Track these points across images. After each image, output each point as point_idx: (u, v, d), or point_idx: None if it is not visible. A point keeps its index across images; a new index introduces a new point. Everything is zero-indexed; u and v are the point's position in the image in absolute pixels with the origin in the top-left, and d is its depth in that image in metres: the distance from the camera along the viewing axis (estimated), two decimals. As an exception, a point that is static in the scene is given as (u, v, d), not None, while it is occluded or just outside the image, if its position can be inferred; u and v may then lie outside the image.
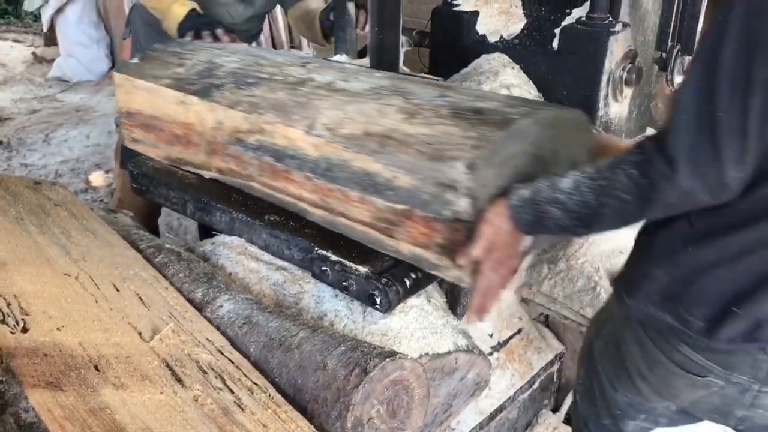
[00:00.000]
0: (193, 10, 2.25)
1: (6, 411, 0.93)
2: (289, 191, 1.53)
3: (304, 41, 7.66)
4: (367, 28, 2.36)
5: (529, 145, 1.29)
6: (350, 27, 2.56)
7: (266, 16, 2.78)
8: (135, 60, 1.93)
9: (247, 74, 1.70)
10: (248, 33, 2.56)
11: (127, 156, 2.50)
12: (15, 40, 7.71)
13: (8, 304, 1.15)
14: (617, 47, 2.11)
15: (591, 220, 1.08)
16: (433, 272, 1.34)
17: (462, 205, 1.21)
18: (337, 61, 2.05)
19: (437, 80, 2.05)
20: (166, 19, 2.28)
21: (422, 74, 2.37)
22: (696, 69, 1.01)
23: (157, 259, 1.54)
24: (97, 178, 4.12)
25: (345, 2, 2.54)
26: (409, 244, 1.33)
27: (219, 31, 2.17)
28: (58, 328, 1.14)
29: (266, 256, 1.62)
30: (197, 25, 2.19)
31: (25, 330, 1.10)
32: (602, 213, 1.06)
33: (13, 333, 1.08)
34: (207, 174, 1.75)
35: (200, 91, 1.68)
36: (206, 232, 2.53)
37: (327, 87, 1.57)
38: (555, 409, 2.10)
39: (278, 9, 7.50)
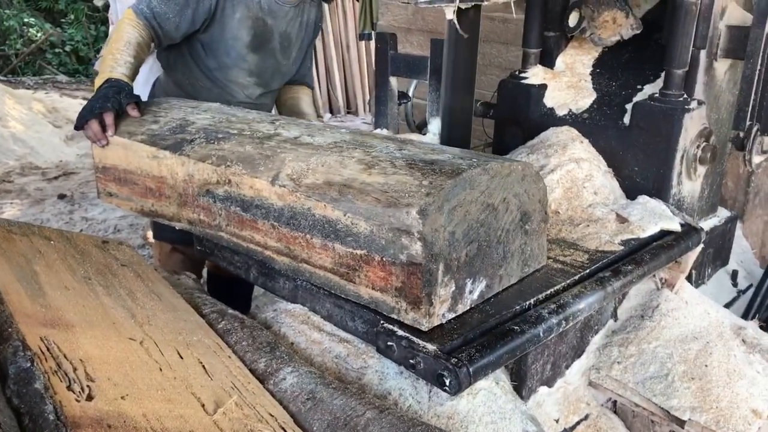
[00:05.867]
0: (107, 81, 1.93)
1: (69, 486, 0.89)
2: (256, 240, 1.61)
3: (360, 105, 7.81)
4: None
5: (479, 193, 1.37)
6: (392, 102, 2.58)
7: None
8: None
9: (217, 130, 1.79)
10: (263, 108, 2.42)
11: (158, 228, 2.48)
12: (84, 98, 8.05)
13: (74, 369, 1.13)
14: (692, 125, 2.06)
15: None
16: (392, 316, 1.37)
17: (416, 249, 1.27)
18: (303, 122, 1.99)
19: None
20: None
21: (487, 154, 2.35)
22: None
23: (220, 326, 1.51)
24: (155, 235, 4.17)
25: (387, 78, 2.57)
26: (368, 288, 1.39)
27: (107, 119, 1.87)
28: (122, 397, 1.10)
29: (329, 327, 1.58)
30: (96, 107, 1.88)
31: (90, 398, 1.07)
32: None
33: (78, 401, 1.05)
34: (177, 225, 1.82)
35: (172, 146, 1.77)
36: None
37: (292, 141, 1.65)
38: (623, 503, 1.96)
39: (336, 73, 7.69)
